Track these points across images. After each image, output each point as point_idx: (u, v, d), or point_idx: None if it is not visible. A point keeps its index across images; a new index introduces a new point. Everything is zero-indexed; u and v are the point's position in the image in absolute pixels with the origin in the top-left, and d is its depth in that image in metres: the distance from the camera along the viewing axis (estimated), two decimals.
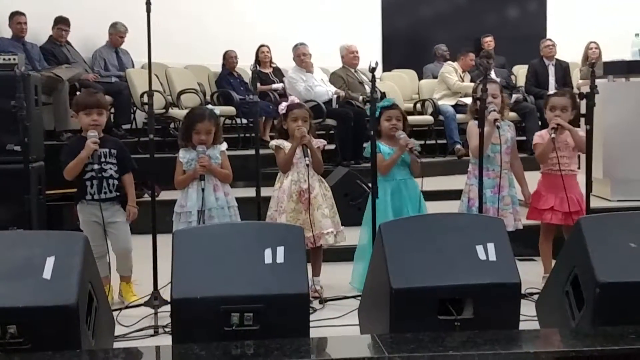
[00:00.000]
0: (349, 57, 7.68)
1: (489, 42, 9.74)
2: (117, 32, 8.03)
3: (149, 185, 4.11)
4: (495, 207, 4.17)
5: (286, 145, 4.12)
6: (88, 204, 3.96)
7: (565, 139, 4.19)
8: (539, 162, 4.30)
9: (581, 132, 4.16)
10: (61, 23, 7.65)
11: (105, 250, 3.97)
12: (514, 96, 8.32)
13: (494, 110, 4.18)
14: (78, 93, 6.49)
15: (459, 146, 7.73)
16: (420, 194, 4.24)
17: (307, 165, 3.97)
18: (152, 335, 3.44)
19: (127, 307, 3.81)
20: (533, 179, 4.43)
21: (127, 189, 4.08)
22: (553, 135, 4.09)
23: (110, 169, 3.97)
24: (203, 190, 3.86)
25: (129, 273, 4.11)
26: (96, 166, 3.86)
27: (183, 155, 4.00)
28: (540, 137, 4.26)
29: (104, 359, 2.53)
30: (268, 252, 2.74)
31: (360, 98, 7.30)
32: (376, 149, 4.02)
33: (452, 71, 8.39)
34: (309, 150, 4.00)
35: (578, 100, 4.26)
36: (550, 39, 9.03)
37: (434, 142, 8.07)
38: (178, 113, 7.22)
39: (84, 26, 8.01)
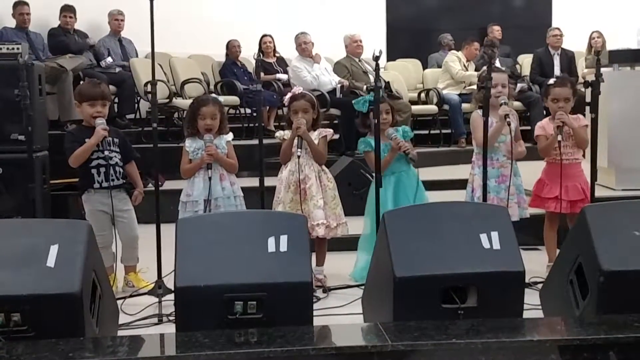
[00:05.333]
0: (353, 47, 7.64)
1: (495, 31, 9.63)
2: (112, 17, 8.04)
3: (153, 175, 4.12)
4: (500, 197, 4.15)
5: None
6: (96, 193, 3.96)
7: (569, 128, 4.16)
8: (541, 156, 4.28)
9: (585, 121, 4.15)
10: (66, 11, 7.66)
11: (111, 240, 3.97)
12: (519, 85, 8.27)
13: (505, 104, 4.13)
14: (82, 82, 6.50)
15: (462, 139, 7.73)
16: (419, 183, 4.21)
17: (298, 156, 3.97)
18: (156, 324, 3.45)
19: (131, 296, 3.81)
20: (536, 168, 4.42)
21: (133, 177, 4.11)
22: (560, 138, 4.03)
23: (115, 156, 3.99)
24: (210, 179, 3.87)
25: (135, 262, 4.10)
26: (105, 152, 3.87)
27: (189, 145, 4.01)
28: (542, 128, 4.22)
29: (108, 347, 2.53)
30: (271, 241, 2.75)
31: (364, 87, 7.27)
32: (370, 146, 4.08)
33: (455, 60, 8.35)
34: (303, 141, 4.01)
35: (583, 88, 4.23)
36: (557, 28, 8.93)
37: (438, 131, 8.07)
38: (182, 103, 7.21)
39: (87, 16, 8.01)
